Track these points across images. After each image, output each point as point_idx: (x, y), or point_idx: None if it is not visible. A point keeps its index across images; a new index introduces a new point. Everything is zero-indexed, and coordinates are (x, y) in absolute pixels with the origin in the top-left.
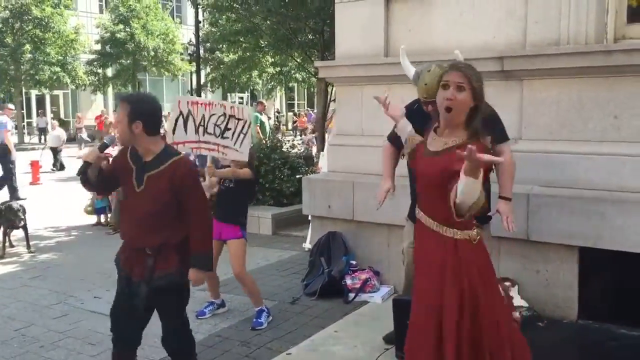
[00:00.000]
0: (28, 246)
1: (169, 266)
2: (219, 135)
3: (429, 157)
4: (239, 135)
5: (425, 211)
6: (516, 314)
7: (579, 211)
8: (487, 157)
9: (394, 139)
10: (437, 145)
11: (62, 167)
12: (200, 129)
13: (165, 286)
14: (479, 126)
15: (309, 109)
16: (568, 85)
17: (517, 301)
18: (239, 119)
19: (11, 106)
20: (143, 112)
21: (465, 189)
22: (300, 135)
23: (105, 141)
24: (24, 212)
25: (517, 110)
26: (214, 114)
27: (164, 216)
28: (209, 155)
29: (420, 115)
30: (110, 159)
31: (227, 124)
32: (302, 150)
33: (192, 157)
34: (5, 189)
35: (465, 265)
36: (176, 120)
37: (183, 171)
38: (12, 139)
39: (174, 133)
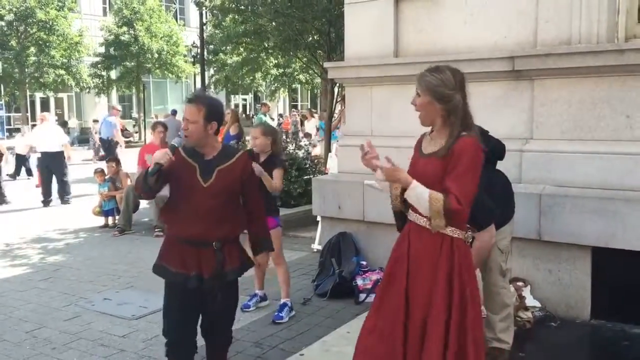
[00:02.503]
0: None
1: (235, 261)
2: None
3: (424, 158)
4: None
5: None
6: (529, 314)
7: (591, 211)
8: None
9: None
10: (430, 147)
11: (29, 174)
12: None
13: (233, 280)
14: (457, 127)
15: (294, 110)
16: (579, 85)
17: (530, 301)
18: None
19: (118, 107)
20: (218, 114)
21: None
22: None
23: (174, 143)
24: None
25: (528, 110)
26: None
27: (229, 209)
28: None
29: None
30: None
31: None
32: (306, 152)
33: None
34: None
35: (457, 264)
36: None
37: (250, 164)
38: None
39: None
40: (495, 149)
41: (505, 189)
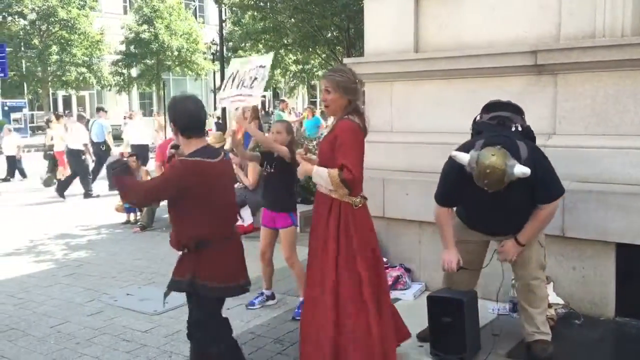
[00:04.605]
0: None
1: (178, 272)
2: (249, 85)
3: (323, 140)
4: (259, 82)
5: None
6: (552, 311)
7: (616, 207)
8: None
9: (449, 198)
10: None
11: (23, 175)
12: (240, 83)
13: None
14: (348, 111)
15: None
16: (604, 79)
17: (553, 298)
18: (262, 67)
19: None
20: (174, 115)
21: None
22: None
23: (176, 142)
24: None
25: (551, 105)
26: (252, 68)
27: (175, 214)
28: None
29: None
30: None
31: (256, 72)
32: None
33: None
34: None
35: (343, 222)
36: (227, 79)
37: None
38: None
39: (224, 90)
40: (528, 133)
41: None
